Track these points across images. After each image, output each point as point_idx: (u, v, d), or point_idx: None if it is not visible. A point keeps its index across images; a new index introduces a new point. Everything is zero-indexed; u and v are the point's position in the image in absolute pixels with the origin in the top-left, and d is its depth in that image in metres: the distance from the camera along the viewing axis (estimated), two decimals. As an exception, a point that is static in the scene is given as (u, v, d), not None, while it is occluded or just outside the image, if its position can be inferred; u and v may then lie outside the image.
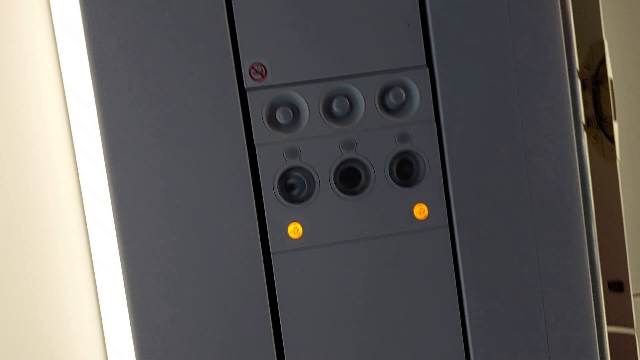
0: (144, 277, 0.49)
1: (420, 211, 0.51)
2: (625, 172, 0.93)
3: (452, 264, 0.52)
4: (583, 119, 0.55)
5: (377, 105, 0.50)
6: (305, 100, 0.50)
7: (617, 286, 0.72)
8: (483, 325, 0.52)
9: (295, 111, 0.50)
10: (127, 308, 0.49)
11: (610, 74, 0.68)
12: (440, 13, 0.50)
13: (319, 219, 0.50)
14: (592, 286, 0.53)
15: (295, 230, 0.50)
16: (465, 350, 0.52)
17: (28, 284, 0.63)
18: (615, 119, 0.68)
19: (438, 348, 0.52)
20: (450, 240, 0.51)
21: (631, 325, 0.71)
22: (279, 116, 0.49)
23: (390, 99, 0.50)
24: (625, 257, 0.71)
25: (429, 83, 0.51)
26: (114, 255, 0.72)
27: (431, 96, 0.51)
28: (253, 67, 0.49)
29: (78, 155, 0.76)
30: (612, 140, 0.68)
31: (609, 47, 0.68)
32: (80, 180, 0.76)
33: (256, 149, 0.49)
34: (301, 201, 0.50)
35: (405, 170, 0.52)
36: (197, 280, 0.49)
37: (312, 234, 0.50)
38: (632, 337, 0.71)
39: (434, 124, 0.51)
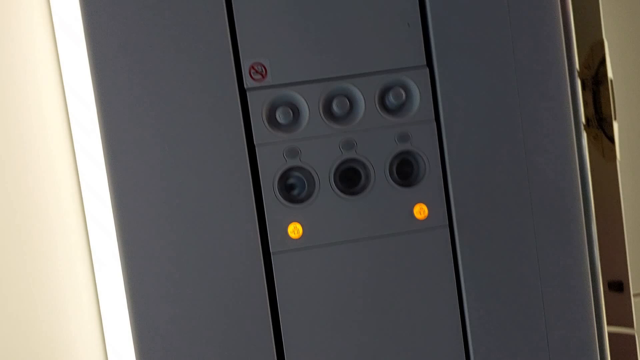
0: (144, 277, 0.49)
1: (420, 211, 0.51)
2: (625, 172, 0.93)
3: (452, 264, 0.52)
4: (583, 119, 0.55)
5: (377, 105, 0.50)
6: (305, 100, 0.50)
7: (617, 286, 0.72)
8: (483, 325, 0.52)
9: (295, 111, 0.50)
10: (127, 308, 0.49)
11: (610, 74, 0.68)
12: (440, 13, 0.50)
13: (319, 219, 0.50)
14: (592, 286, 0.53)
15: (295, 230, 0.50)
16: (465, 350, 0.52)
17: (28, 284, 0.63)
18: (615, 119, 0.68)
19: (438, 348, 0.52)
20: (450, 240, 0.51)
21: (631, 325, 0.71)
22: (279, 116, 0.49)
23: (390, 99, 0.50)
24: (625, 257, 0.71)
25: (429, 83, 0.51)
26: (114, 255, 0.72)
27: (431, 96, 0.51)
28: (253, 67, 0.49)
29: (78, 155, 0.76)
30: (612, 140, 0.68)
31: (609, 47, 0.68)
32: (80, 180, 0.76)
33: (256, 149, 0.49)
34: (301, 201, 0.50)
35: (405, 170, 0.52)
36: (197, 280, 0.49)
37: (312, 234, 0.50)
38: (632, 337, 0.71)
39: (434, 124, 0.51)
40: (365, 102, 0.50)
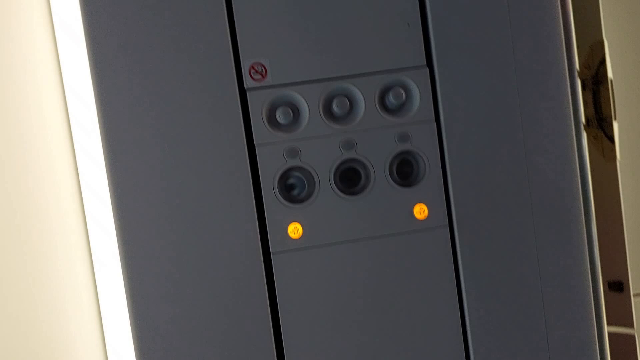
0: (144, 277, 0.49)
1: (420, 211, 0.51)
2: (625, 172, 0.93)
3: (452, 264, 0.52)
4: (583, 119, 0.55)
5: (377, 105, 0.50)
6: (305, 100, 0.50)
7: (617, 286, 0.72)
8: (483, 325, 0.52)
9: (295, 111, 0.50)
10: (127, 308, 0.49)
11: (610, 74, 0.68)
12: (440, 13, 0.50)
13: (319, 219, 0.50)
14: (592, 286, 0.53)
15: (295, 230, 0.50)
16: (465, 350, 0.52)
17: (28, 284, 0.63)
18: (615, 119, 0.68)
19: (438, 348, 0.52)
20: (450, 240, 0.51)
21: (631, 325, 0.71)
22: (279, 116, 0.49)
23: (390, 99, 0.50)
24: (625, 257, 0.71)
25: (429, 83, 0.51)
26: (114, 255, 0.72)
27: (431, 96, 0.51)
28: (253, 67, 0.49)
29: (78, 155, 0.76)
30: (612, 140, 0.68)
31: (609, 47, 0.68)
32: (80, 180, 0.76)
33: (256, 149, 0.49)
34: (301, 201, 0.50)
35: (405, 170, 0.52)
36: (197, 280, 0.49)
37: (312, 234, 0.50)
38: (632, 337, 0.71)
39: (434, 124, 0.51)
40: (365, 102, 0.50)
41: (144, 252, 0.49)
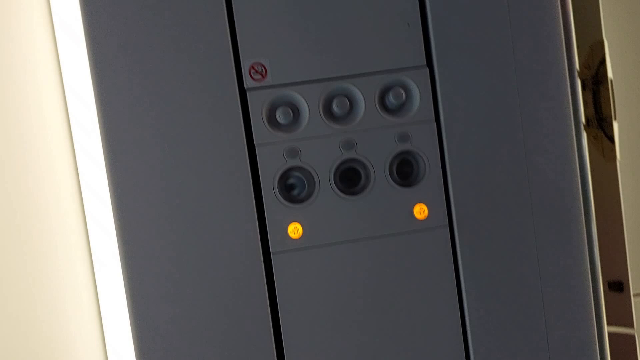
0: (144, 277, 0.49)
1: (420, 211, 0.51)
2: (625, 172, 0.93)
3: (452, 264, 0.52)
4: (583, 119, 0.55)
5: (377, 105, 0.50)
6: (305, 100, 0.50)
7: (617, 286, 0.72)
8: (483, 325, 0.52)
9: (295, 111, 0.50)
10: (127, 308, 0.49)
11: (610, 74, 0.68)
12: (440, 13, 0.50)
13: (319, 219, 0.50)
14: (592, 286, 0.53)
15: (295, 230, 0.50)
16: (465, 350, 0.52)
17: (28, 284, 0.63)
18: (615, 119, 0.68)
19: (438, 348, 0.52)
20: (450, 240, 0.51)
21: (631, 325, 0.71)
22: (279, 116, 0.49)
23: (390, 99, 0.50)
24: (625, 257, 0.71)
25: (429, 83, 0.51)
26: (114, 255, 0.72)
27: (431, 96, 0.51)
28: (253, 67, 0.49)
29: (78, 155, 0.76)
30: (612, 140, 0.68)
31: (609, 47, 0.68)
32: (80, 180, 0.76)
33: (256, 149, 0.49)
34: (301, 201, 0.50)
35: (405, 170, 0.52)
36: (197, 280, 0.49)
37: (312, 234, 0.50)
38: (632, 337, 0.71)
39: (434, 124, 0.51)
40: (365, 102, 0.50)
41: (144, 252, 0.49)
